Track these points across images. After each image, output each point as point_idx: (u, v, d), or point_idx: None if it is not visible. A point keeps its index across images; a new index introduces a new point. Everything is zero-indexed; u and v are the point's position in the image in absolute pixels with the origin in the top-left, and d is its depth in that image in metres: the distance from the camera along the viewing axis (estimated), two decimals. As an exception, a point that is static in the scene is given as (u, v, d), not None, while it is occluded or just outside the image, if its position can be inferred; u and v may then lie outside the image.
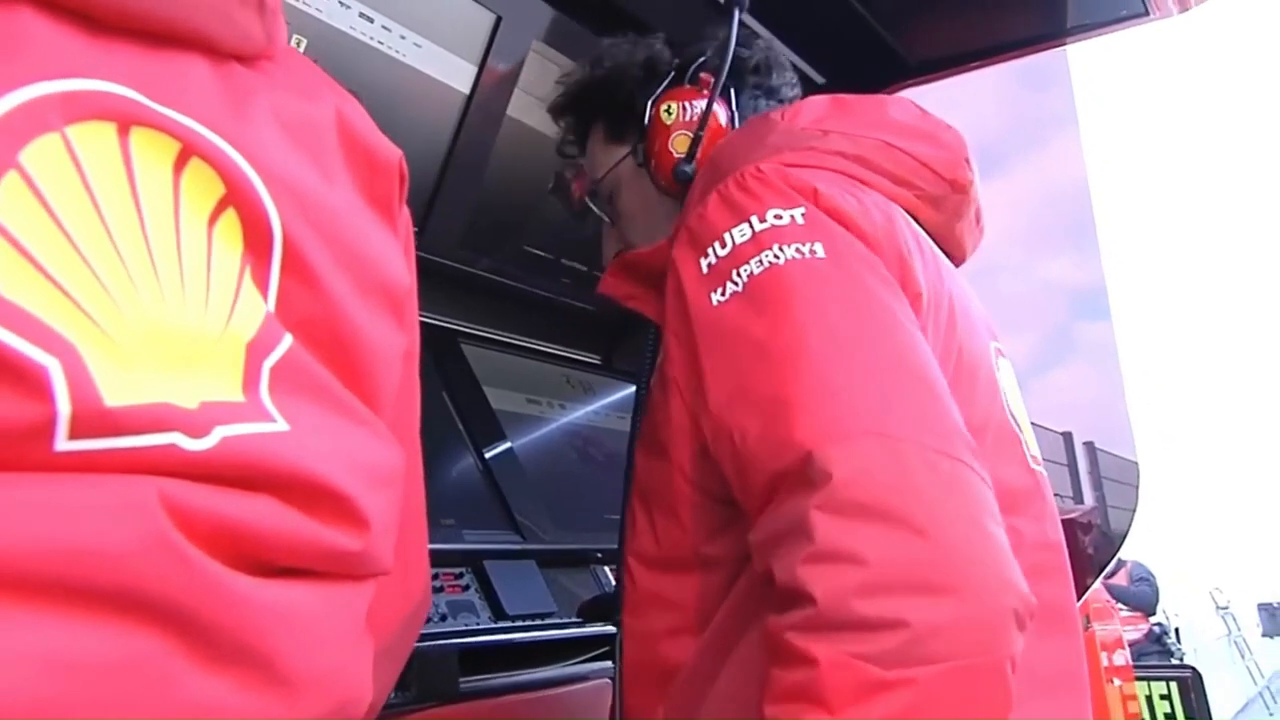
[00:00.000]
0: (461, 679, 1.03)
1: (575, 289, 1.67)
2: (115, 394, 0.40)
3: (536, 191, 1.54)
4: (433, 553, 1.14)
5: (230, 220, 0.48)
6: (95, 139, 0.44)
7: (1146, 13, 1.40)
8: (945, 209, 0.94)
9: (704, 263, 0.80)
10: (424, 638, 1.00)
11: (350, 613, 0.51)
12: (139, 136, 0.45)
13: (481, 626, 1.09)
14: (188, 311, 0.45)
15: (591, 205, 1.11)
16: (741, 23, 1.46)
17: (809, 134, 0.90)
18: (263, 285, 0.49)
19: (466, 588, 1.11)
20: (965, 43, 1.59)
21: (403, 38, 1.31)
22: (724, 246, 0.79)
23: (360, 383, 0.54)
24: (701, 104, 1.00)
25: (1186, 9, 1.38)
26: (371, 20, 1.28)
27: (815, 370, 0.70)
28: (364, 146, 0.59)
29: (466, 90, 1.40)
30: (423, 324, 1.43)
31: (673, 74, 1.04)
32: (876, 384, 0.70)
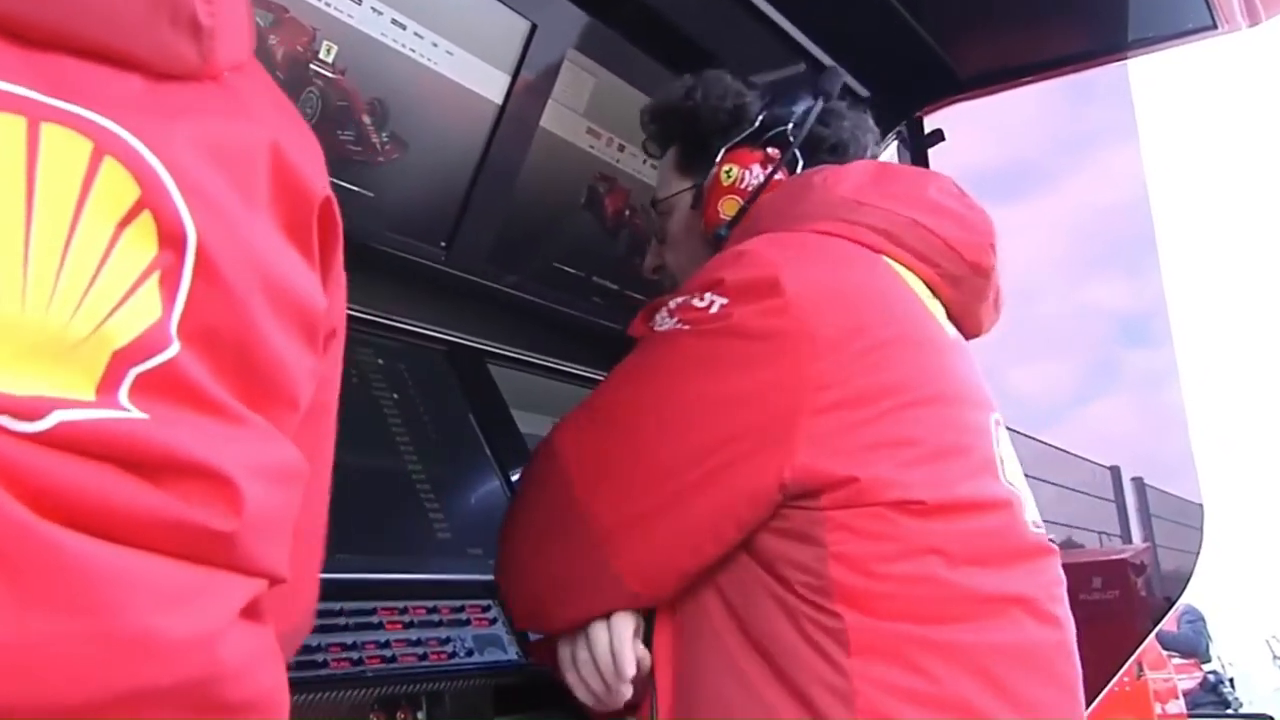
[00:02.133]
0: (497, 717, 1.04)
1: (606, 308, 1.67)
2: None
3: (568, 206, 1.57)
4: (458, 584, 1.15)
5: (145, 224, 0.49)
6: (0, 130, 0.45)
7: (1214, 25, 1.39)
8: (965, 290, 1.02)
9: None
10: (453, 674, 1.01)
11: (214, 597, 0.50)
12: (50, 132, 0.46)
13: (508, 659, 1.09)
14: (51, 314, 0.46)
15: (650, 214, 1.23)
16: (785, 38, 1.48)
17: (845, 204, 0.99)
18: (170, 290, 0.50)
19: (494, 621, 1.11)
20: (1019, 56, 1.59)
21: (435, 45, 1.33)
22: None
23: (262, 396, 0.55)
24: (762, 175, 1.09)
25: (1257, 23, 1.37)
26: (404, 27, 1.29)
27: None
28: (292, 177, 0.59)
29: (499, 100, 1.41)
30: (449, 342, 1.48)
31: (753, 130, 1.12)
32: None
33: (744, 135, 1.13)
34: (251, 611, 0.53)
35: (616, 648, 0.90)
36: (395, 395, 1.33)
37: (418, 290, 1.44)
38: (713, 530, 0.87)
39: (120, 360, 0.47)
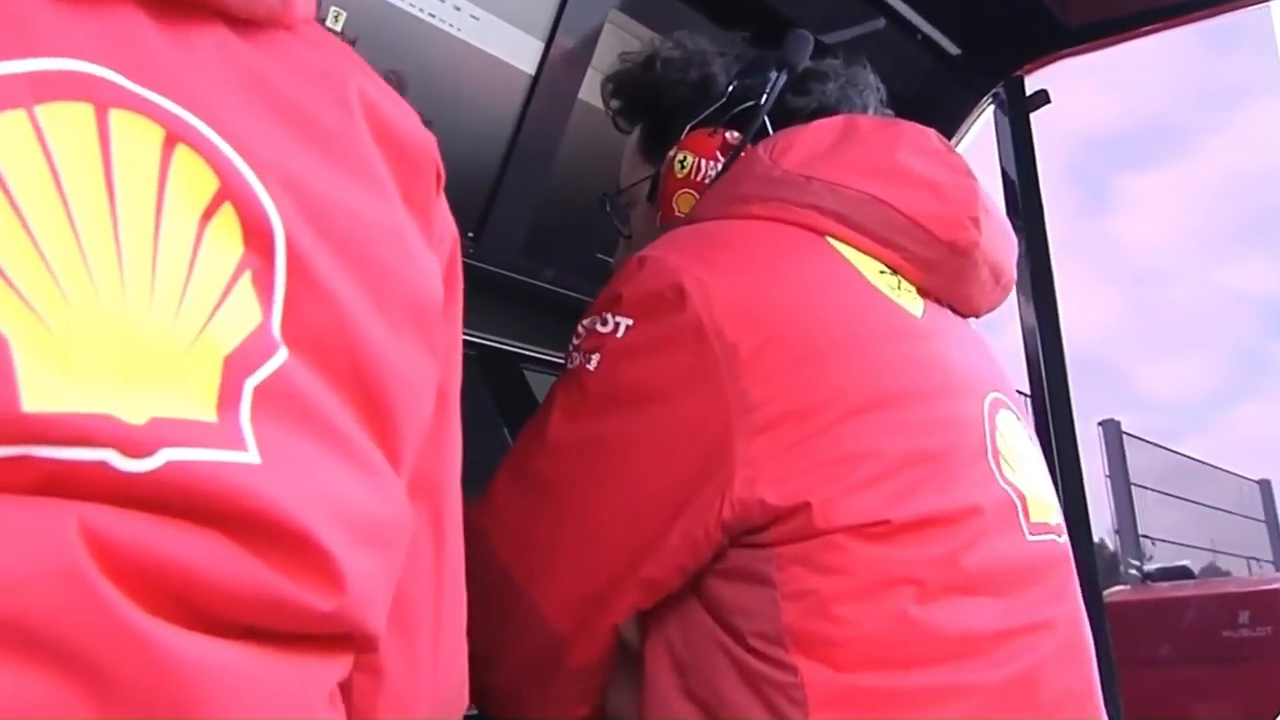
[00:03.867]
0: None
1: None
2: (42, 398, 0.40)
3: (611, 189, 1.50)
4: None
5: (227, 217, 0.47)
6: (67, 119, 0.44)
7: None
8: (942, 273, 0.94)
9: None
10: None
11: (309, 688, 0.48)
12: (119, 119, 0.45)
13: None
14: (154, 313, 0.44)
15: (609, 209, 1.17)
16: (885, 10, 1.36)
17: (789, 181, 0.91)
18: (265, 292, 0.48)
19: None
20: (1135, 1, 1.46)
21: (458, 9, 1.27)
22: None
23: (377, 415, 0.52)
24: (720, 164, 1.02)
25: None
26: (420, -11, 1.24)
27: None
28: (397, 136, 0.58)
29: (532, 70, 1.35)
30: (480, 346, 1.40)
31: (720, 105, 1.04)
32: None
33: (708, 113, 1.04)
34: (334, 694, 0.51)
35: None
36: (419, 405, 1.27)
37: None
38: (657, 592, 0.82)
39: (233, 368, 0.46)
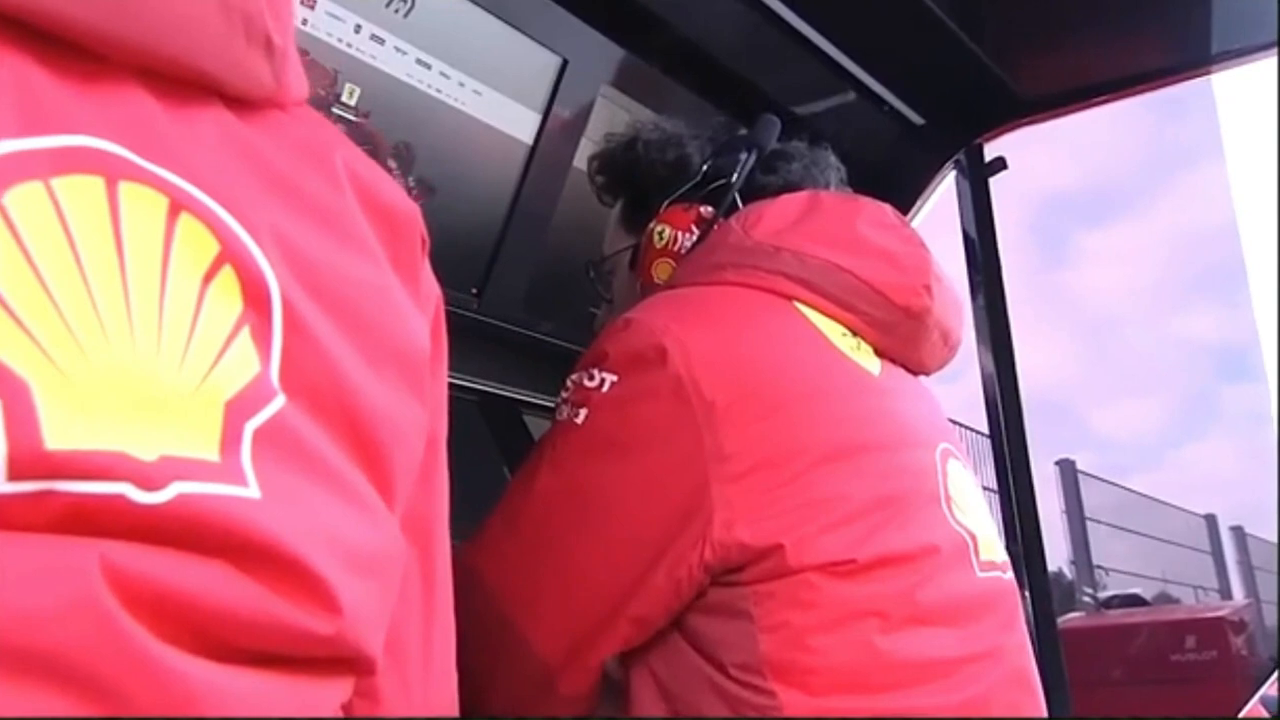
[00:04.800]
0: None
1: (648, 355, 1.64)
2: (62, 437, 0.41)
3: (599, 254, 1.55)
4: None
5: (227, 277, 0.50)
6: (81, 190, 0.46)
7: (1304, 36, 1.33)
8: (897, 335, 1.00)
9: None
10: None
11: (313, 710, 0.50)
12: (128, 190, 0.48)
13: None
14: (161, 362, 0.46)
15: (593, 277, 1.22)
16: (831, 64, 1.43)
17: (760, 250, 0.97)
18: (264, 344, 0.50)
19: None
20: (1088, 74, 1.54)
21: (462, 85, 1.33)
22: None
23: (370, 460, 0.54)
24: (695, 236, 1.07)
25: (1348, 32, 1.31)
26: (429, 67, 1.29)
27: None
28: (382, 205, 0.60)
29: (530, 140, 1.40)
30: (483, 392, 1.46)
31: (695, 184, 1.10)
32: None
33: (684, 190, 1.11)
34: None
35: None
36: (424, 451, 1.31)
37: (449, 339, 1.41)
38: (647, 629, 0.86)
39: (234, 413, 0.47)
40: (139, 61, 0.50)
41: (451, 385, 1.45)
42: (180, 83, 0.52)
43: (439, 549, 0.64)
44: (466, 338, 1.42)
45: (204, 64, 0.52)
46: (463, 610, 0.96)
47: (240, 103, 0.55)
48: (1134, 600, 5.71)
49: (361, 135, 1.26)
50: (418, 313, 0.61)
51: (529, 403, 1.51)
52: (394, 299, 0.59)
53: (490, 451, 1.40)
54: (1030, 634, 1.01)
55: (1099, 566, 7.05)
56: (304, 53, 1.19)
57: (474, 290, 1.42)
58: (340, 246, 0.56)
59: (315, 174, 0.57)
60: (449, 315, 1.51)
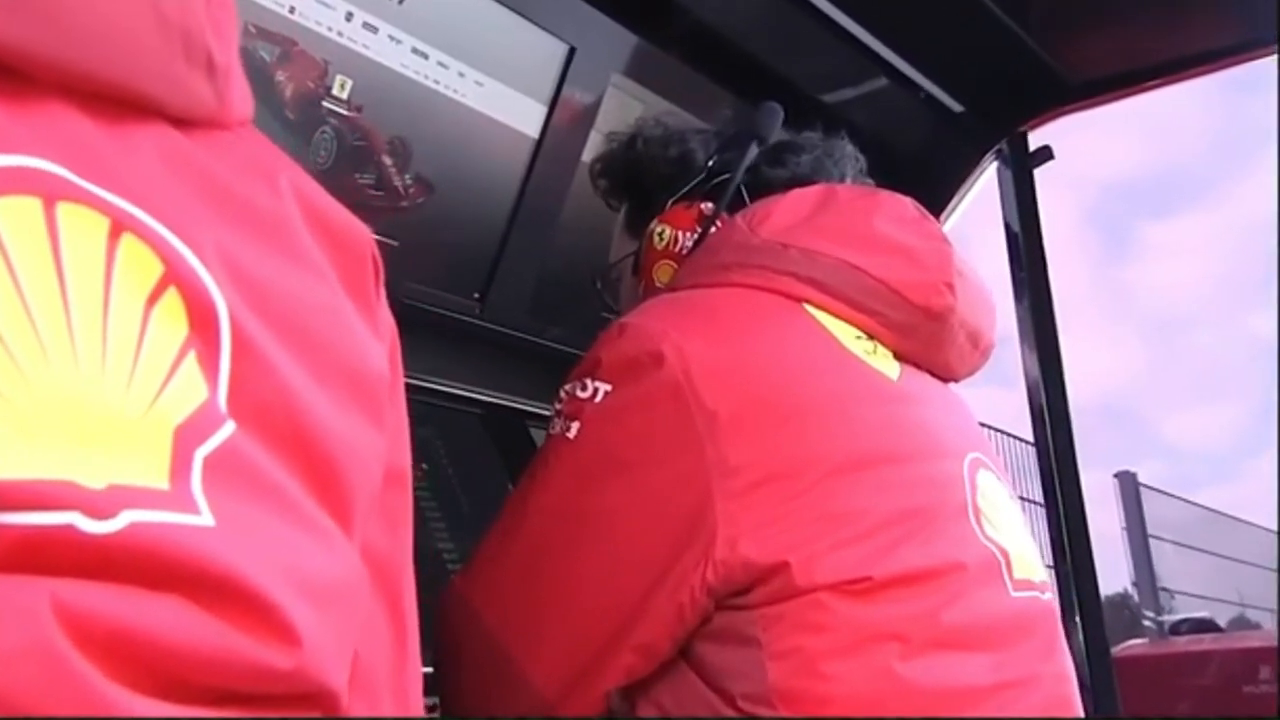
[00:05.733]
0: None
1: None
2: (5, 466, 0.41)
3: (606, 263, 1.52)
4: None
5: (172, 300, 0.49)
6: (17, 211, 0.46)
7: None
8: (918, 338, 0.96)
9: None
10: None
11: None
12: (66, 211, 0.47)
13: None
14: (106, 388, 0.45)
15: (600, 288, 1.20)
16: (862, 49, 1.38)
17: (767, 249, 0.94)
18: (211, 368, 0.50)
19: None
20: (1141, 56, 1.47)
21: (462, 75, 1.29)
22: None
23: (325, 485, 0.54)
24: (696, 235, 1.05)
25: None
26: (426, 56, 1.26)
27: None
28: (329, 224, 0.60)
29: (535, 134, 1.37)
30: (485, 404, 1.41)
31: (699, 181, 1.07)
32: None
33: (689, 188, 1.07)
34: None
35: None
36: (424, 465, 1.29)
37: (449, 347, 1.39)
38: (653, 658, 0.83)
39: (182, 439, 0.47)
40: (74, 84, 0.50)
41: (452, 396, 1.44)
42: (113, 103, 0.52)
43: (406, 589, 0.63)
44: (468, 346, 1.43)
45: (142, 86, 0.53)
46: (457, 641, 0.91)
47: (182, 121, 0.55)
48: (1205, 625, 5.51)
49: (354, 131, 1.23)
50: (374, 339, 0.61)
51: (536, 414, 1.48)
52: (346, 320, 0.58)
53: (495, 467, 1.38)
54: (1080, 662, 0.92)
55: (1164, 589, 6.83)
56: (292, 42, 1.17)
57: (476, 295, 1.39)
58: (289, 264, 0.56)
59: (261, 189, 0.57)
60: (449, 321, 1.48)
